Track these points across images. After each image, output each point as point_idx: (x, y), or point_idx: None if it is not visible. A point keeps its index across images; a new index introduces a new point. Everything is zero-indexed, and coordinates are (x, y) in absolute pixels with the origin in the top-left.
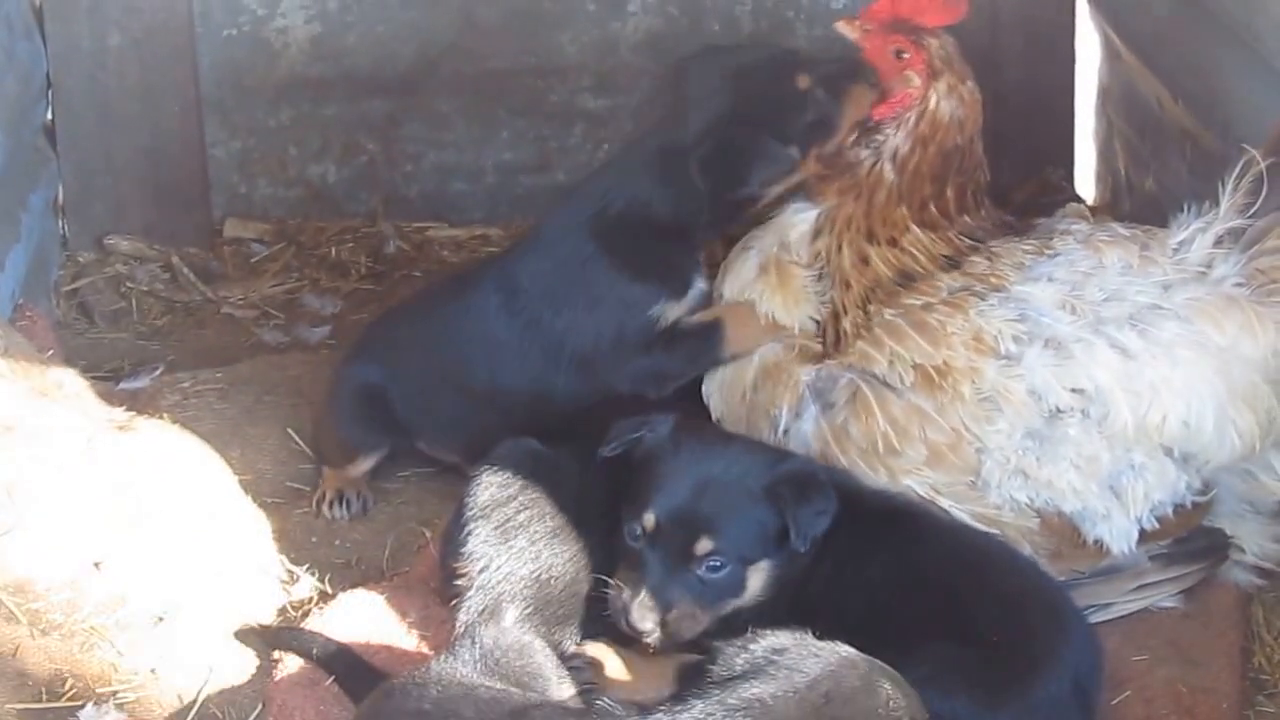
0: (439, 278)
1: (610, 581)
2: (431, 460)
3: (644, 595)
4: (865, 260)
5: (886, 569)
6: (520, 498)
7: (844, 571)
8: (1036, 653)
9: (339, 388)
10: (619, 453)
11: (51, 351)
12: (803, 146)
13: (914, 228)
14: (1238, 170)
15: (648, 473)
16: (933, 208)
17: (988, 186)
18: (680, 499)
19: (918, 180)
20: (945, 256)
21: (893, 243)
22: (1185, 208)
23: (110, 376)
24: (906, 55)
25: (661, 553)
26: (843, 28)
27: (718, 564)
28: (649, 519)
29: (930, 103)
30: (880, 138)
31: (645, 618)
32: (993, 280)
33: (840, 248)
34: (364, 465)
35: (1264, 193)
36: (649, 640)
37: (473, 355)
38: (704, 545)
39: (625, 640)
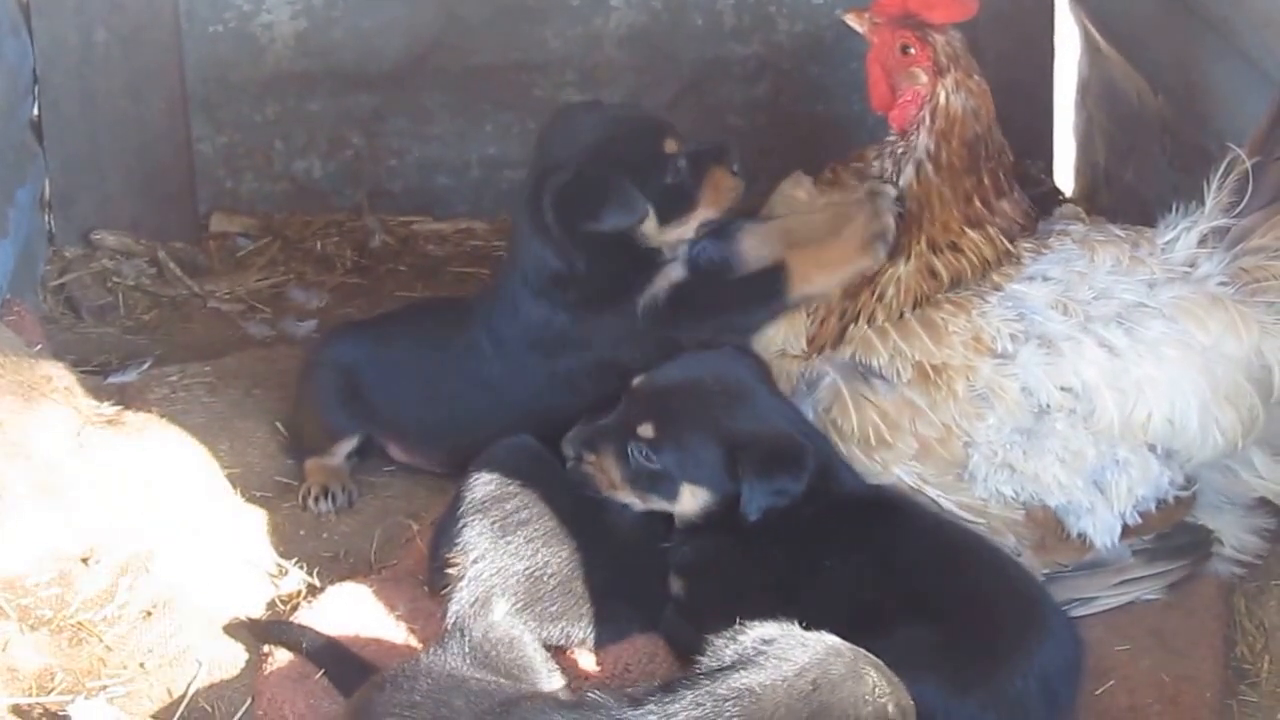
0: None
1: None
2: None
3: (582, 429)
4: (933, 273)
5: (866, 552)
6: (519, 495)
7: (824, 555)
8: (1006, 646)
9: (314, 371)
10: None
11: (39, 346)
12: (657, 206)
13: (967, 230)
14: (1222, 169)
15: (681, 355)
16: (977, 201)
17: (1013, 168)
18: (664, 384)
19: (955, 175)
20: (987, 261)
21: (954, 247)
22: (1174, 207)
23: (98, 371)
24: (912, 51)
25: (623, 412)
26: (851, 20)
27: (650, 457)
28: (637, 381)
29: (940, 99)
30: (908, 147)
31: (568, 445)
32: (994, 279)
33: (910, 259)
34: (343, 449)
35: (1248, 192)
36: (567, 468)
37: (471, 391)
38: (645, 430)
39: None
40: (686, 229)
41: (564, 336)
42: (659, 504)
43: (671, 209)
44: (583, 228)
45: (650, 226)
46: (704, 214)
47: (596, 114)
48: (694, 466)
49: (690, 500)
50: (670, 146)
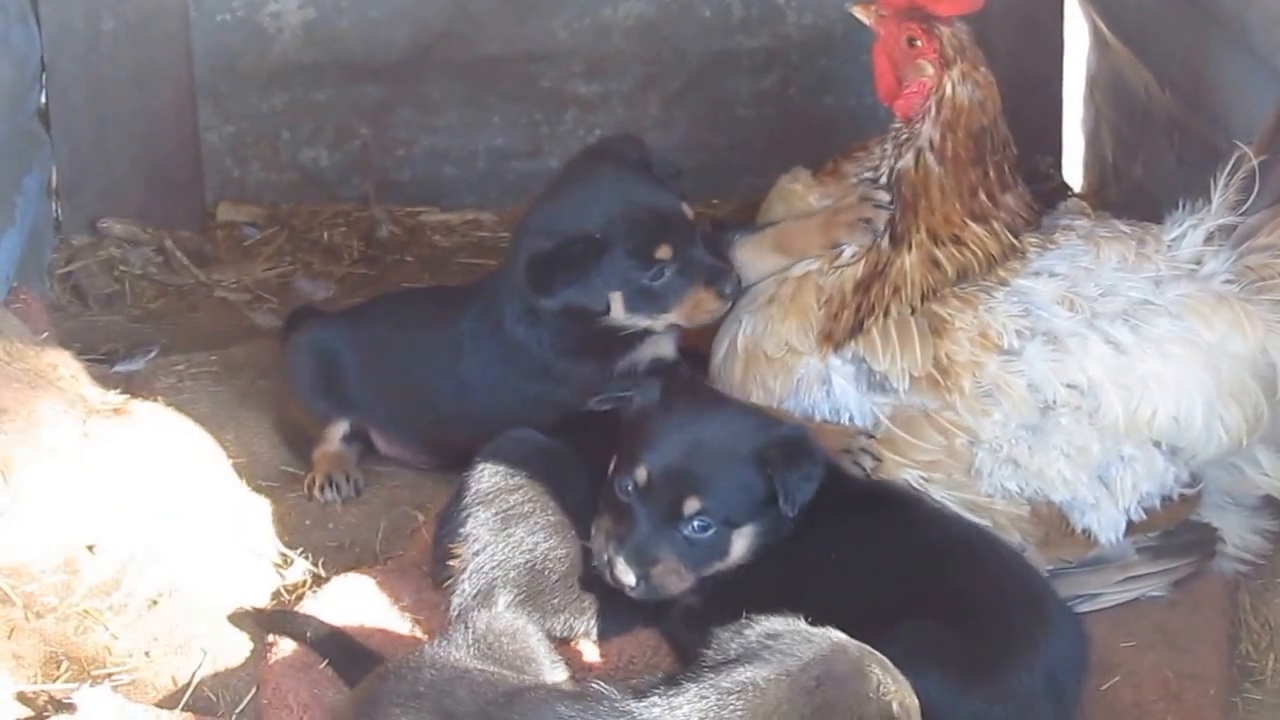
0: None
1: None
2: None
3: (629, 551)
4: (936, 264)
5: (871, 551)
6: (524, 487)
7: (829, 551)
8: (1012, 641)
9: (294, 357)
10: (608, 409)
11: (46, 334)
12: (627, 299)
13: (970, 223)
14: (1229, 167)
15: (640, 430)
16: (982, 194)
17: (1017, 161)
18: (672, 457)
19: (959, 167)
20: (992, 256)
21: (956, 240)
22: (1180, 204)
23: (105, 359)
24: (919, 43)
25: (650, 509)
26: (858, 12)
27: (704, 524)
28: (641, 473)
29: (947, 90)
30: (912, 134)
31: (628, 572)
32: (1000, 273)
33: (910, 249)
34: (336, 433)
35: (1255, 190)
36: (632, 594)
37: (443, 384)
38: (692, 505)
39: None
40: (654, 323)
41: (540, 367)
42: (716, 567)
43: (642, 306)
44: (542, 299)
45: (616, 311)
46: (673, 319)
47: (615, 180)
48: (740, 506)
49: (741, 544)
50: (663, 253)
